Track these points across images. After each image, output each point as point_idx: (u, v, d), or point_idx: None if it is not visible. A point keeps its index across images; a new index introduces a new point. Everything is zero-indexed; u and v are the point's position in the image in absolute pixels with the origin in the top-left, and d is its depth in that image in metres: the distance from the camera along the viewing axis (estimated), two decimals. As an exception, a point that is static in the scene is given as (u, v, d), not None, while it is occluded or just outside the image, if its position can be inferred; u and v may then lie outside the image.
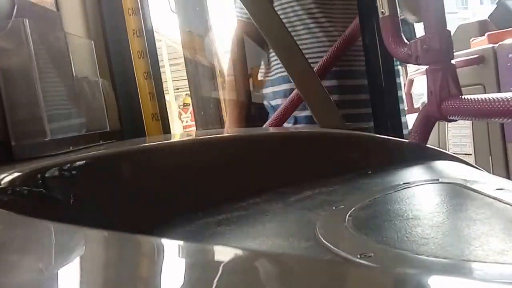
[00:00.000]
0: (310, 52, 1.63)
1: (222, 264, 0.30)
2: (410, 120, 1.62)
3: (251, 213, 0.70)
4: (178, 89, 9.42)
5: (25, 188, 0.58)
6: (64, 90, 0.90)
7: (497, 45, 1.96)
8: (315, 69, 1.73)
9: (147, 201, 0.69)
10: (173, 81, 7.84)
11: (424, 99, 1.31)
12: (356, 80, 1.63)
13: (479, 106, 0.86)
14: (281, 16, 1.48)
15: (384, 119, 1.37)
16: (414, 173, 0.85)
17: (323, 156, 0.89)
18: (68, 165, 0.67)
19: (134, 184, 0.71)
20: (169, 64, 6.84)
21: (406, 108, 2.15)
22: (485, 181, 0.73)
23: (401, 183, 0.75)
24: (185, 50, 2.14)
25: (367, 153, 0.93)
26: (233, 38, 1.85)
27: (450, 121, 0.98)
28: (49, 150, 0.80)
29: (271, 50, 1.74)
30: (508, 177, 0.83)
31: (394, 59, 1.35)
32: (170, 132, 1.45)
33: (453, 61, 0.97)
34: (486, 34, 2.09)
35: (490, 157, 1.98)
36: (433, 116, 1.00)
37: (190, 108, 6.42)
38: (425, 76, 0.98)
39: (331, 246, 0.51)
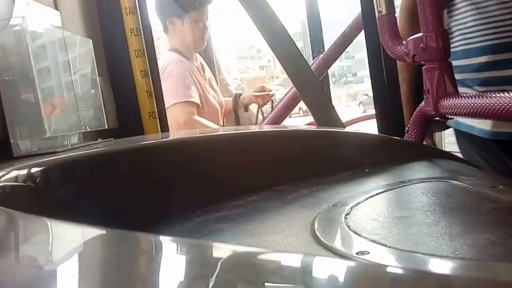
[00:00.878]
0: (501, 26, 1.23)
1: (220, 261, 0.30)
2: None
3: (249, 211, 0.70)
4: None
5: (24, 185, 0.58)
6: (63, 88, 0.90)
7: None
8: (313, 66, 1.74)
9: (146, 199, 0.70)
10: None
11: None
12: None
13: (475, 104, 0.86)
14: None
15: (386, 116, 1.38)
16: (411, 171, 0.86)
17: (320, 154, 0.89)
18: (67, 162, 0.67)
19: (133, 182, 0.71)
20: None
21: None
22: (481, 179, 0.73)
23: (398, 181, 0.76)
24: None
25: (363, 151, 0.93)
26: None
27: (447, 119, 0.99)
28: (48, 148, 0.80)
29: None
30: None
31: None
32: (167, 131, 1.45)
33: (449, 60, 0.97)
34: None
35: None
36: (429, 114, 1.00)
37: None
38: (421, 74, 0.99)
39: (328, 243, 0.51)
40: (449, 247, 0.48)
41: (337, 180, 0.81)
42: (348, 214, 0.60)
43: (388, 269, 0.30)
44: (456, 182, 0.71)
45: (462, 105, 0.90)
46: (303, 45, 3.04)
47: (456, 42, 1.27)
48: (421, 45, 0.95)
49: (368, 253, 0.47)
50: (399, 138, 1.07)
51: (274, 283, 0.26)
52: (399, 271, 0.29)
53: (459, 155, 1.25)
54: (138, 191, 0.70)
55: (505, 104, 0.80)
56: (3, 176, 0.57)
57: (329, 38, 2.32)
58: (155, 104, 1.33)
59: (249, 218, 0.67)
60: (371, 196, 0.69)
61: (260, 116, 2.29)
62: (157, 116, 1.33)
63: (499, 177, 0.75)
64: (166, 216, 0.69)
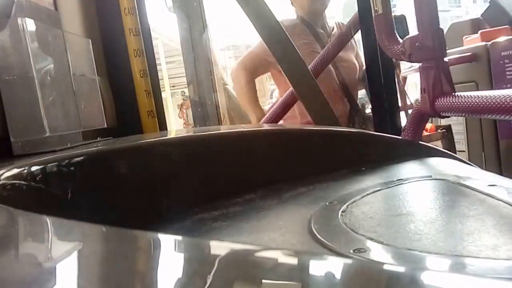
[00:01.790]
0: None
1: (217, 259, 0.30)
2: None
3: (247, 209, 0.70)
4: (174, 86, 9.40)
5: (24, 183, 0.59)
6: (62, 88, 0.90)
7: (490, 43, 1.96)
8: (310, 67, 1.74)
9: (144, 197, 0.70)
10: (169, 78, 7.84)
11: (417, 96, 1.32)
12: None
13: (471, 103, 0.86)
14: None
15: (383, 115, 1.38)
16: (407, 170, 0.86)
17: (318, 153, 0.89)
18: (66, 161, 0.67)
19: (131, 180, 0.71)
20: (165, 62, 6.83)
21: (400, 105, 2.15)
22: (478, 178, 0.73)
23: (395, 179, 0.76)
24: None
25: (360, 150, 0.94)
26: None
27: (443, 117, 0.99)
28: (48, 147, 0.80)
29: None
30: (500, 174, 0.83)
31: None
32: (166, 129, 1.45)
33: (446, 59, 0.97)
34: (479, 32, 2.09)
35: (483, 153, 1.98)
36: (426, 113, 1.00)
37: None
38: (418, 73, 0.99)
39: (325, 241, 0.51)
40: (445, 245, 0.48)
41: (334, 178, 0.81)
42: (344, 212, 0.60)
43: (384, 267, 0.30)
44: (454, 180, 0.71)
45: (458, 103, 0.90)
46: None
47: None
48: (417, 44, 0.96)
49: (365, 250, 0.47)
50: (396, 137, 1.07)
51: (271, 280, 0.26)
52: (395, 268, 0.30)
53: (458, 153, 1.25)
54: (136, 189, 0.70)
55: (501, 102, 0.80)
56: (3, 174, 0.58)
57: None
58: (153, 103, 1.34)
59: (247, 216, 0.67)
60: (368, 194, 0.69)
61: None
62: (155, 115, 1.34)
63: (496, 176, 0.75)
64: (164, 214, 0.69)
